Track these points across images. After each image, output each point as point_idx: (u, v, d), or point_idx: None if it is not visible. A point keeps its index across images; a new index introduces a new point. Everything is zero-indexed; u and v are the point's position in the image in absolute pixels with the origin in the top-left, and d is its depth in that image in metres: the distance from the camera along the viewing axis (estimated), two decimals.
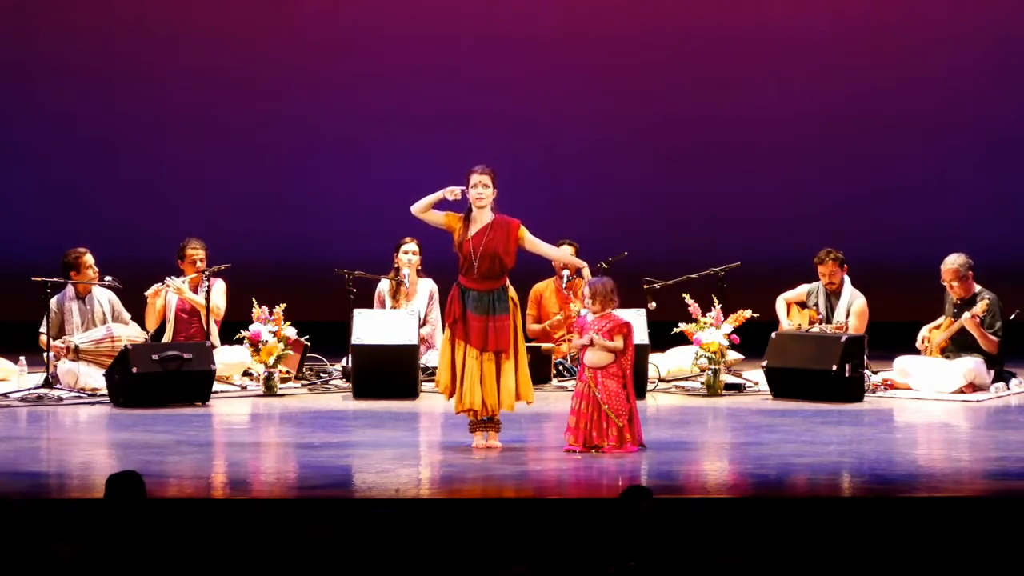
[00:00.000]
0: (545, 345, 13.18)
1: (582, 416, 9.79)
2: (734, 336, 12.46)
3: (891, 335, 13.15)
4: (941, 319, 12.69)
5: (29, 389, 12.23)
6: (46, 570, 6.68)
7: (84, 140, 16.14)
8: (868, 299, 12.93)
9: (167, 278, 12.92)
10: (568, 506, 8.43)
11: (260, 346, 12.40)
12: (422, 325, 12.99)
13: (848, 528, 7.78)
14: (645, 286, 12.93)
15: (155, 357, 11.88)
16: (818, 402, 11.88)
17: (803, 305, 13.10)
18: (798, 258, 13.60)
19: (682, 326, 12.59)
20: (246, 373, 12.89)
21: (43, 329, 12.46)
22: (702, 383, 12.54)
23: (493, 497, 8.67)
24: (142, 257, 14.19)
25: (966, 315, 12.30)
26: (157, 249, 14.09)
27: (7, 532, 6.96)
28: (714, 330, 12.43)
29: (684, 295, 12.66)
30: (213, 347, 12.44)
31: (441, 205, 9.91)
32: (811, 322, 12.91)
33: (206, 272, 12.80)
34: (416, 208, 9.90)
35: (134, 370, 11.73)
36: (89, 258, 12.62)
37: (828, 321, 12.86)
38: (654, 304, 12.75)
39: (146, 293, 12.86)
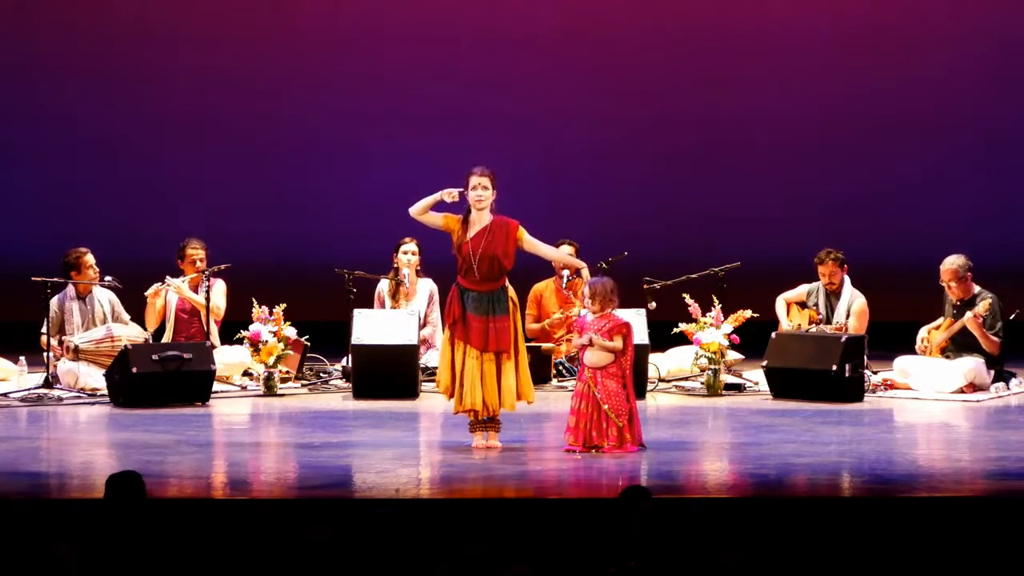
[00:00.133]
0: (545, 345, 13.18)
1: (582, 416, 9.79)
2: (734, 336, 12.46)
3: (891, 335, 13.15)
4: (940, 320, 12.69)
5: (29, 389, 12.23)
6: (46, 570, 6.68)
7: (84, 140, 16.14)
8: (868, 299, 12.94)
9: (167, 278, 12.93)
10: (568, 506, 8.43)
11: (260, 346, 12.40)
12: (422, 326, 12.99)
13: (848, 528, 7.78)
14: (645, 286, 12.94)
15: (155, 357, 11.89)
16: (818, 402, 11.88)
17: (803, 305, 13.10)
18: (798, 258, 13.61)
19: (682, 326, 12.59)
20: (246, 373, 12.89)
21: (44, 329, 12.46)
22: (702, 383, 12.54)
23: (493, 497, 8.67)
24: (142, 257, 14.18)
25: (968, 315, 12.30)
26: (157, 249, 14.09)
27: (7, 532, 6.96)
28: (714, 330, 12.43)
29: (684, 295, 12.66)
30: (213, 347, 12.44)
31: (439, 206, 9.90)
32: (811, 322, 12.91)
33: (206, 272, 12.80)
34: (414, 210, 9.89)
35: (134, 370, 11.73)
36: (90, 258, 12.63)
37: (828, 321, 12.86)
38: (654, 304, 12.75)
39: (146, 293, 12.86)
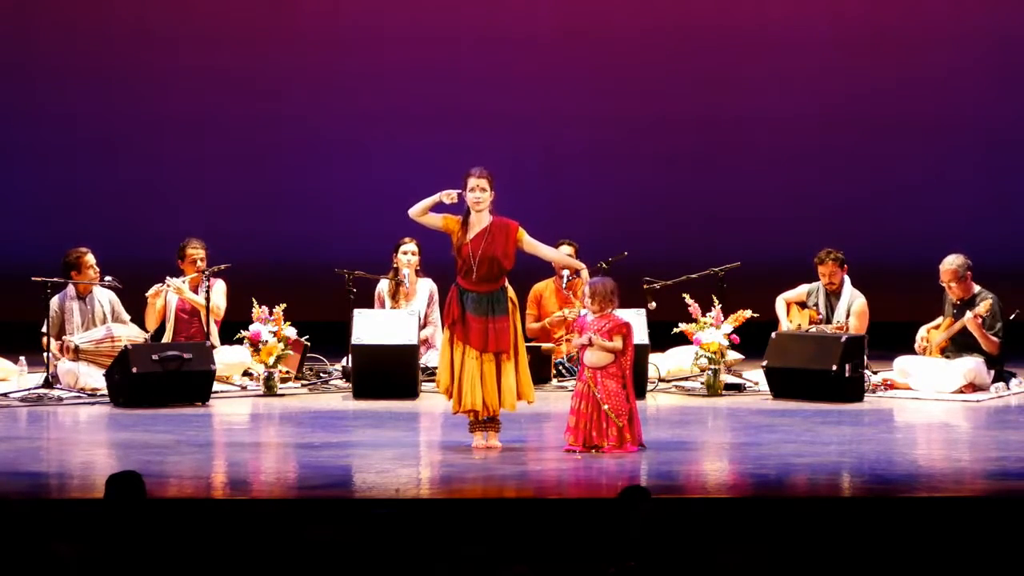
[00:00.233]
0: (545, 345, 13.18)
1: (582, 416, 9.79)
2: (734, 336, 12.46)
3: (891, 335, 13.14)
4: (939, 319, 12.69)
5: (29, 389, 12.23)
6: (46, 570, 6.68)
7: (84, 140, 16.14)
8: (868, 299, 12.94)
9: (167, 278, 12.93)
10: (568, 506, 8.43)
11: (260, 346, 12.40)
12: (423, 327, 12.99)
13: (848, 528, 7.78)
14: (645, 286, 12.94)
15: (155, 357, 11.89)
16: (818, 402, 11.88)
17: (803, 305, 13.10)
18: (798, 258, 13.61)
19: (682, 326, 12.59)
20: (246, 373, 12.89)
21: (44, 329, 12.46)
22: (702, 383, 12.54)
23: (493, 497, 8.67)
24: (142, 257, 14.18)
25: (968, 315, 12.30)
26: (157, 249, 14.09)
27: (7, 532, 6.96)
28: (714, 330, 12.43)
29: (684, 295, 12.66)
30: (213, 347, 12.44)
31: (439, 208, 9.89)
32: (811, 322, 12.91)
33: (206, 272, 12.80)
34: (413, 212, 9.89)
35: (134, 370, 11.73)
36: (90, 258, 12.63)
37: (828, 321, 12.86)
38: (654, 304, 12.76)
39: (147, 294, 12.86)
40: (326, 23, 16.16)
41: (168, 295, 12.94)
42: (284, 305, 12.54)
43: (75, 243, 12.82)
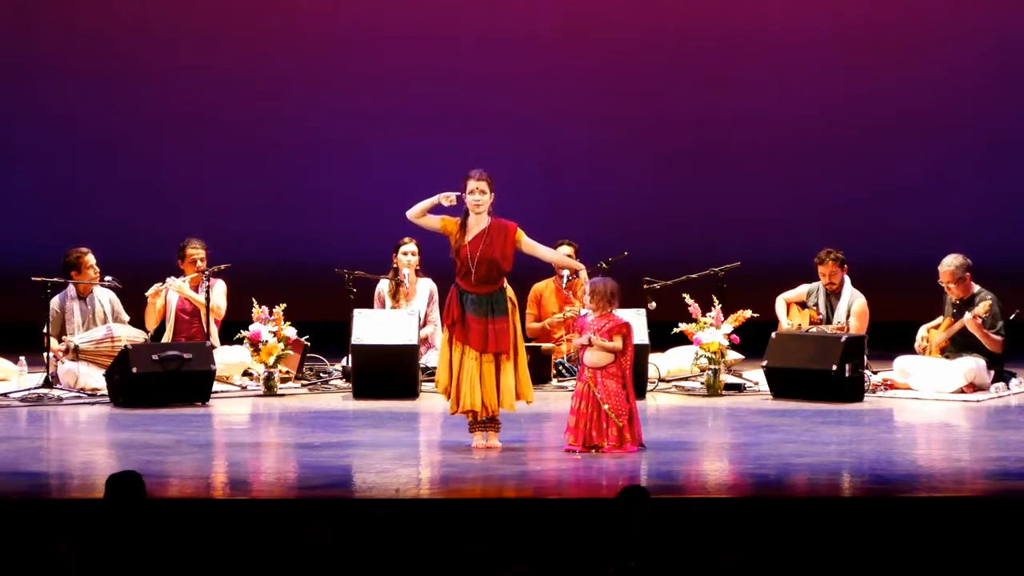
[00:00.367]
0: (545, 345, 13.18)
1: (582, 416, 9.79)
2: (734, 336, 12.46)
3: (891, 335, 13.14)
4: (939, 319, 12.69)
5: (29, 389, 12.23)
6: (46, 570, 6.68)
7: (84, 140, 16.14)
8: (868, 299, 12.93)
9: (168, 278, 12.93)
10: (568, 506, 8.43)
11: (260, 346, 12.40)
12: (423, 325, 13.00)
13: (848, 528, 7.78)
14: (645, 286, 12.94)
15: (155, 357, 11.89)
16: (818, 402, 11.88)
17: (803, 305, 13.10)
18: (798, 258, 13.61)
19: (682, 326, 12.59)
20: (246, 373, 12.89)
21: (45, 329, 12.46)
22: (702, 383, 12.54)
23: (493, 497, 8.67)
24: (142, 257, 14.19)
25: (967, 316, 12.30)
26: (157, 249, 14.09)
27: (7, 532, 6.96)
28: (714, 330, 12.43)
29: (684, 295, 12.66)
30: (213, 347, 12.44)
31: (437, 209, 9.88)
32: (811, 322, 12.91)
33: (206, 272, 12.80)
34: (411, 213, 9.88)
35: (134, 370, 11.73)
36: (91, 258, 12.63)
37: (828, 321, 12.86)
38: (654, 304, 12.76)
39: (147, 293, 12.86)
40: (326, 23, 16.16)
41: (168, 295, 12.94)
42: (284, 305, 12.54)
43: (75, 243, 12.82)
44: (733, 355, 12.64)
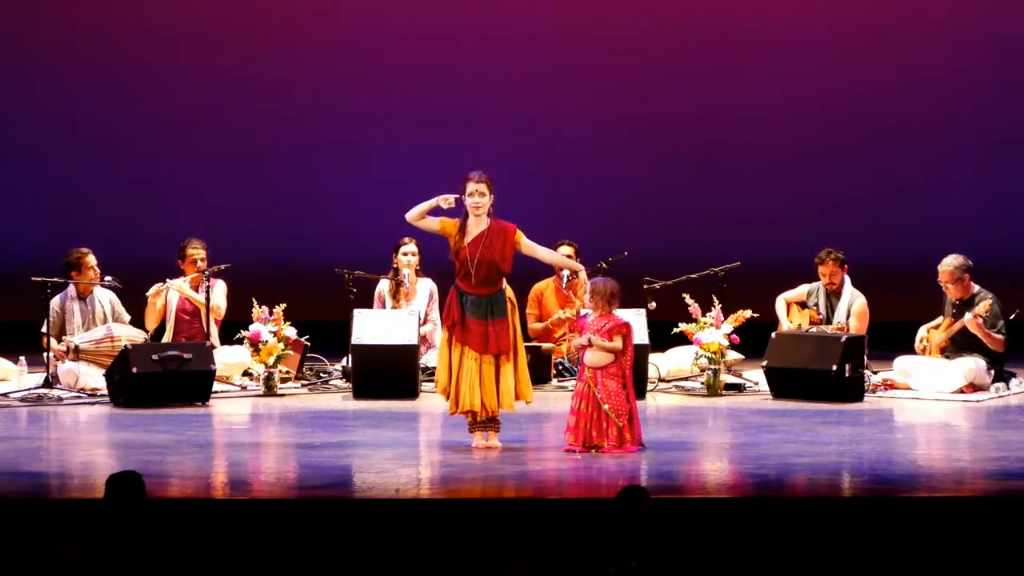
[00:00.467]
0: (545, 345, 13.18)
1: (582, 416, 9.79)
2: (734, 336, 12.46)
3: (891, 335, 13.14)
4: (939, 319, 12.69)
5: (29, 389, 12.23)
6: (46, 570, 6.68)
7: (84, 140, 16.14)
8: (868, 299, 12.93)
9: (168, 279, 12.92)
10: (568, 506, 8.43)
11: (260, 346, 12.40)
12: (423, 323, 13.00)
13: (848, 528, 7.78)
14: (645, 286, 12.94)
15: (155, 357, 11.89)
16: (818, 402, 11.88)
17: (803, 305, 13.10)
18: (798, 258, 13.61)
19: (682, 326, 12.58)
20: (246, 373, 12.89)
21: (44, 329, 12.46)
22: (702, 383, 12.54)
23: (493, 497, 8.67)
24: (142, 257, 14.19)
25: (968, 316, 12.30)
26: (157, 249, 14.09)
27: (7, 532, 6.96)
28: (714, 330, 12.43)
29: (684, 295, 12.66)
30: (213, 347, 12.44)
31: (436, 211, 9.88)
32: (811, 322, 12.91)
33: (206, 272, 12.80)
34: (410, 216, 9.88)
35: (134, 370, 11.73)
36: (91, 258, 12.63)
37: (828, 321, 12.86)
38: (654, 304, 12.76)
39: (147, 293, 12.86)
40: (326, 23, 16.16)
41: (168, 294, 12.94)
42: (284, 305, 12.55)
43: (75, 243, 12.82)
44: (733, 355, 12.64)
